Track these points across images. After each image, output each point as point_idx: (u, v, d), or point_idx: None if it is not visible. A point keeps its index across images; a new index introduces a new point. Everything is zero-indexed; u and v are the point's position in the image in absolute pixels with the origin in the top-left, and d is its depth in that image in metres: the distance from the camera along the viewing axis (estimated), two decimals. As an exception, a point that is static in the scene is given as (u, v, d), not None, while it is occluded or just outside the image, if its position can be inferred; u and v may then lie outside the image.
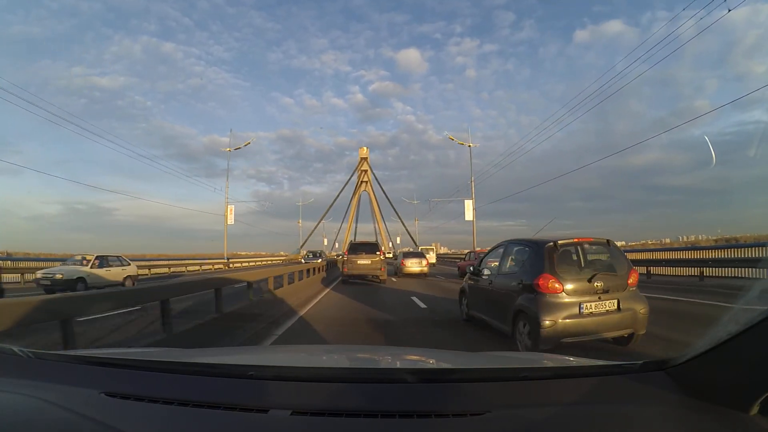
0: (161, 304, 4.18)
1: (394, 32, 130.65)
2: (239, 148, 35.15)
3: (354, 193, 77.16)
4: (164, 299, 4.21)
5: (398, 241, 71.04)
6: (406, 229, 60.89)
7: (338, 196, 68.72)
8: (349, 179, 72.69)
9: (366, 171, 74.70)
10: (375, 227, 79.12)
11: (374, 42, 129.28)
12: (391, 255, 69.45)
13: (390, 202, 67.04)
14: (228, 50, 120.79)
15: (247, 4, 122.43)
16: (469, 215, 31.58)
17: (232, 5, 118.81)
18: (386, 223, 75.91)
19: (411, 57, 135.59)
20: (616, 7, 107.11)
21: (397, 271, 19.41)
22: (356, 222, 79.03)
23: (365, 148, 76.59)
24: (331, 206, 66.13)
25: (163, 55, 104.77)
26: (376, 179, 71.96)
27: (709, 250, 15.08)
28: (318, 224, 61.46)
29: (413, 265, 18.69)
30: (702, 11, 13.40)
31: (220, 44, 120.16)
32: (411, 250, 28.90)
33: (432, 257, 29.91)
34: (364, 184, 76.51)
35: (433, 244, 36.15)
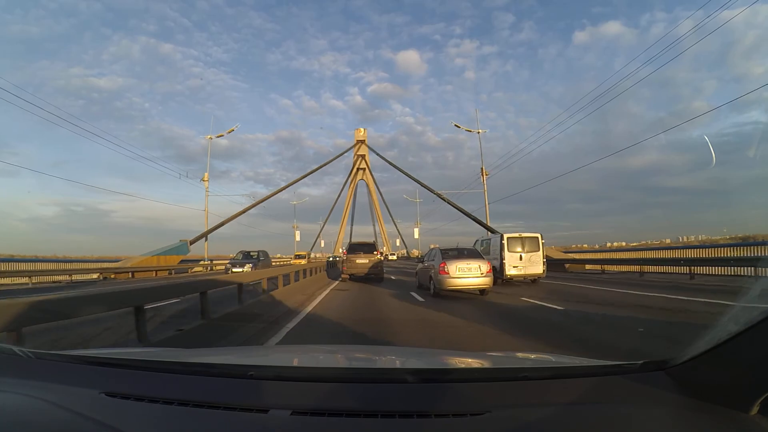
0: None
1: (393, 33, 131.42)
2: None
3: (350, 180, 64.48)
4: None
5: (416, 236, 53.65)
6: (453, 206, 31.22)
7: (303, 176, 46.38)
8: (338, 157, 54.33)
9: (364, 156, 62.48)
10: (373, 220, 68.86)
11: (373, 43, 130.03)
12: (395, 257, 61.43)
13: (407, 175, 41.37)
14: (227, 51, 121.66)
15: (247, 4, 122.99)
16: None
17: (231, 6, 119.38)
18: (385, 217, 65.99)
19: (410, 58, 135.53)
20: (616, 8, 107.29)
21: (430, 284, 10.30)
22: (352, 214, 67.59)
23: (362, 129, 63.16)
24: (295, 182, 44.63)
25: (161, 56, 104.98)
26: (382, 158, 53.78)
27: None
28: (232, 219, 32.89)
29: (467, 274, 9.55)
30: (701, 13, 13.23)
31: (219, 45, 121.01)
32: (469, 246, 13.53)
33: (535, 260, 13.22)
34: (361, 172, 64.87)
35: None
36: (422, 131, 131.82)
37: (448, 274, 9.55)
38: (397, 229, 66.37)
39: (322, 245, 66.35)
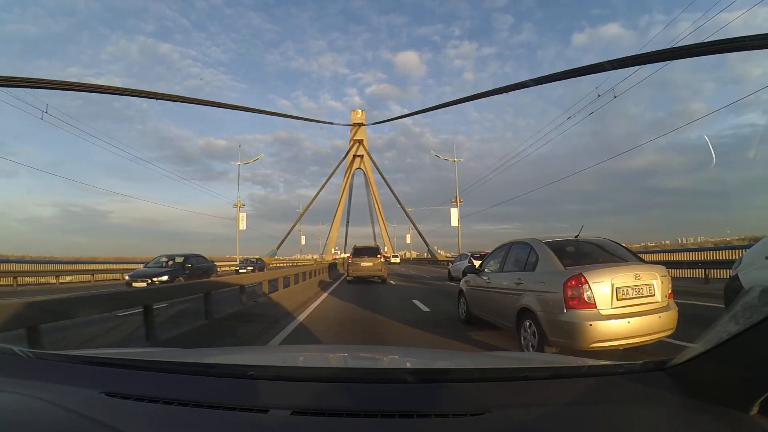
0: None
1: (392, 34, 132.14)
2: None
3: (346, 170, 54.10)
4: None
5: (454, 222, 33.39)
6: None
7: (277, 114, 41.40)
8: (332, 123, 46.34)
9: (361, 142, 53.12)
10: (372, 218, 60.86)
11: (372, 44, 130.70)
12: (398, 259, 50.81)
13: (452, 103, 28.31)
14: (225, 52, 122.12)
15: (246, 4, 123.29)
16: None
17: (230, 6, 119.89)
18: (389, 214, 58.33)
19: (409, 59, 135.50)
20: (615, 10, 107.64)
21: (526, 333, 4.19)
22: (347, 210, 58.82)
23: (360, 110, 53.28)
24: (259, 111, 31.33)
25: (160, 56, 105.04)
26: (391, 120, 44.60)
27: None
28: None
29: (637, 304, 3.80)
30: (700, 15, 13.05)
31: (218, 45, 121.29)
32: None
33: None
34: (358, 160, 55.35)
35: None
36: (421, 132, 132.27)
37: (595, 306, 3.79)
38: (411, 220, 51.35)
39: (303, 243, 57.46)
